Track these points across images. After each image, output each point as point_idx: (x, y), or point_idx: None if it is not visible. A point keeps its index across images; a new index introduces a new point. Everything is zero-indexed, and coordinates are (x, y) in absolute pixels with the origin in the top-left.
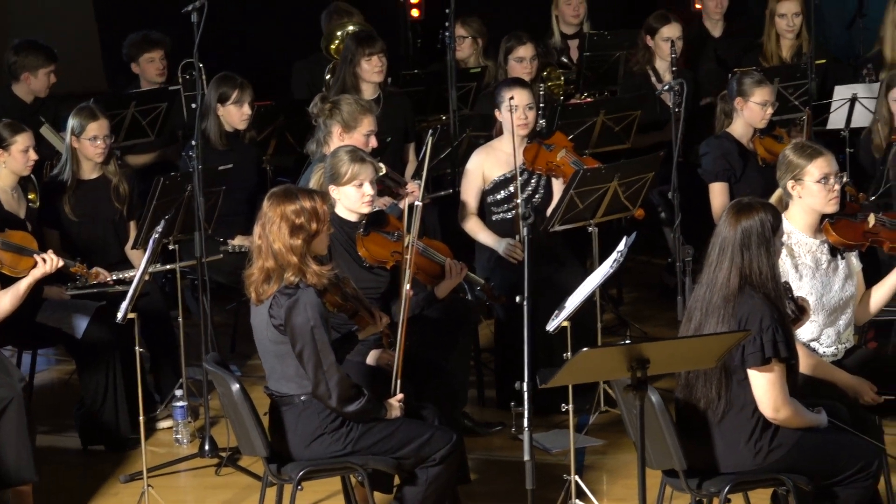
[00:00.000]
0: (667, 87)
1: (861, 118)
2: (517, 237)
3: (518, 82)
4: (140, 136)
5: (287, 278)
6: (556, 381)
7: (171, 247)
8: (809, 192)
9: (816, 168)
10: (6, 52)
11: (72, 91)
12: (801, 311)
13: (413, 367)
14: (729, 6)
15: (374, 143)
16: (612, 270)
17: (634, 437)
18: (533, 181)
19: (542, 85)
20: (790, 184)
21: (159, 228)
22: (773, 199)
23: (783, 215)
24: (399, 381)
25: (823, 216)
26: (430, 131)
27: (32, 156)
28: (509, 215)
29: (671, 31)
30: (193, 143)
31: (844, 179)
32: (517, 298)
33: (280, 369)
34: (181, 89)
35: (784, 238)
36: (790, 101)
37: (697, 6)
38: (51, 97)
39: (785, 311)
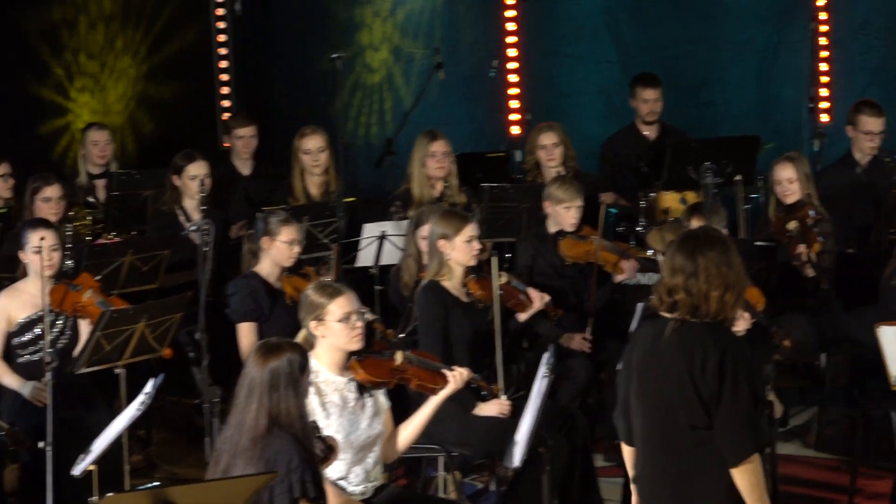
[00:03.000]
0: (194, 227)
1: (390, 255)
2: (43, 380)
3: (43, 223)
4: None
5: None
6: None
7: None
8: (332, 331)
9: (338, 307)
10: None
11: None
12: (330, 450)
13: None
14: (258, 145)
15: None
16: (139, 412)
17: None
18: (59, 323)
19: (68, 225)
20: (313, 324)
21: None
22: (300, 338)
23: (310, 354)
24: None
25: (350, 353)
26: None
27: None
28: (35, 357)
29: (198, 169)
30: None
31: (372, 317)
32: (40, 444)
33: None
34: None
35: (311, 377)
36: (319, 238)
37: (226, 144)
38: None
39: (313, 450)
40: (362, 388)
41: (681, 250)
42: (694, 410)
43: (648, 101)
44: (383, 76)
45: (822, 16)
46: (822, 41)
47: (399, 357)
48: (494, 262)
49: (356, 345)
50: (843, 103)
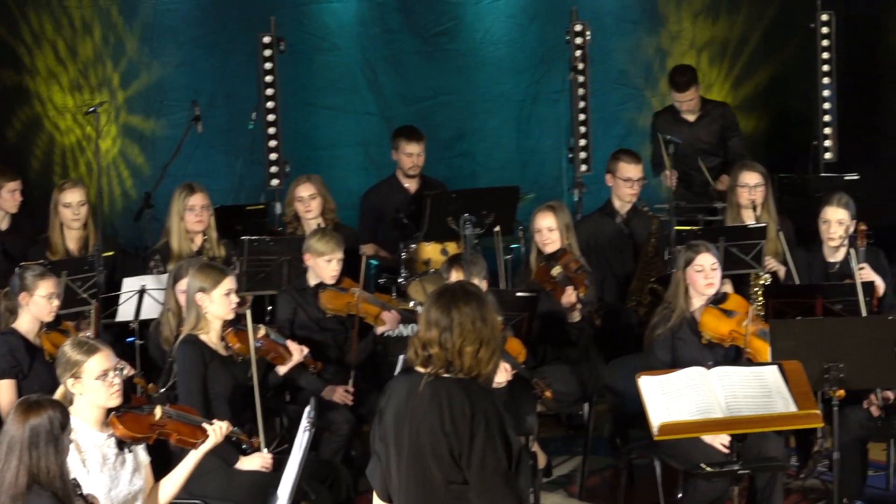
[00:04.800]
0: None
1: (150, 310)
2: None
3: None
4: None
5: None
6: None
7: None
8: (90, 388)
9: (95, 364)
10: None
11: None
12: None
13: None
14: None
15: None
16: None
17: None
18: None
19: None
20: (70, 381)
21: None
22: (58, 394)
23: (69, 410)
24: None
25: (109, 409)
26: None
27: None
28: None
29: None
30: None
31: (132, 372)
32: None
33: None
34: None
35: (71, 434)
36: (78, 293)
37: None
38: None
39: None
40: (122, 444)
41: (436, 304)
42: (447, 466)
43: (412, 154)
44: (141, 128)
45: (580, 66)
46: (580, 91)
47: (158, 412)
48: (248, 315)
49: (115, 402)
50: (602, 153)
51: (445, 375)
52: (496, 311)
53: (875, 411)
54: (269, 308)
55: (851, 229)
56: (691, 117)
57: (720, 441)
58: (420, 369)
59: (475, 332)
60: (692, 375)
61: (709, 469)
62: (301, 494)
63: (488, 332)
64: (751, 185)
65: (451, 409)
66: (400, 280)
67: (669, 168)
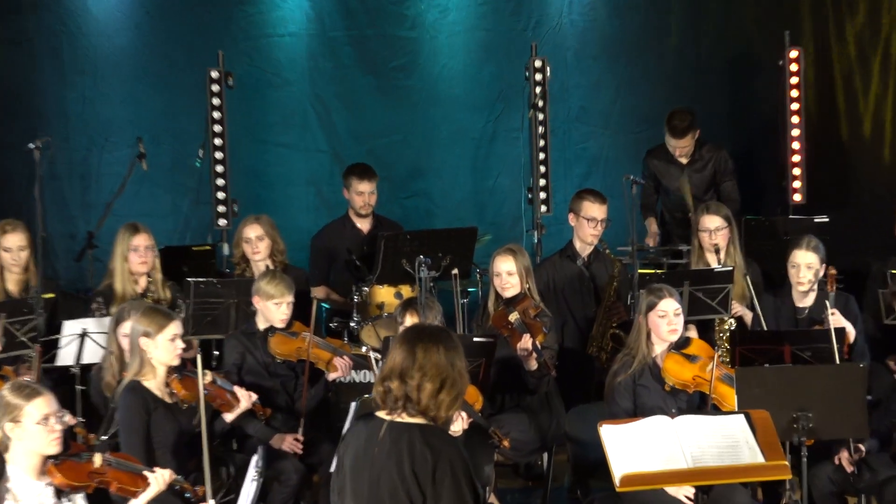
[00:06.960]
0: None
1: (92, 354)
2: None
3: None
4: None
5: None
6: None
7: None
8: (29, 434)
9: (35, 409)
10: None
11: None
12: None
13: None
14: None
15: None
16: None
17: None
18: None
19: None
20: (9, 426)
21: None
22: None
23: (5, 457)
24: None
25: (47, 457)
26: None
27: None
28: None
29: None
30: None
31: (73, 421)
32: None
33: None
34: None
35: (8, 483)
36: (17, 337)
37: None
38: None
39: None
40: (60, 493)
41: (405, 339)
42: None
43: (363, 193)
44: (84, 166)
45: (540, 103)
46: (540, 130)
47: (98, 459)
48: (199, 360)
49: (54, 448)
50: (562, 194)
51: (405, 419)
52: (464, 358)
53: (848, 467)
54: (217, 353)
55: (821, 274)
56: (684, 160)
57: (684, 493)
58: (380, 414)
59: (438, 371)
60: (656, 424)
61: None
62: None
63: (453, 376)
64: (711, 228)
65: (411, 456)
66: (352, 324)
67: (645, 216)
